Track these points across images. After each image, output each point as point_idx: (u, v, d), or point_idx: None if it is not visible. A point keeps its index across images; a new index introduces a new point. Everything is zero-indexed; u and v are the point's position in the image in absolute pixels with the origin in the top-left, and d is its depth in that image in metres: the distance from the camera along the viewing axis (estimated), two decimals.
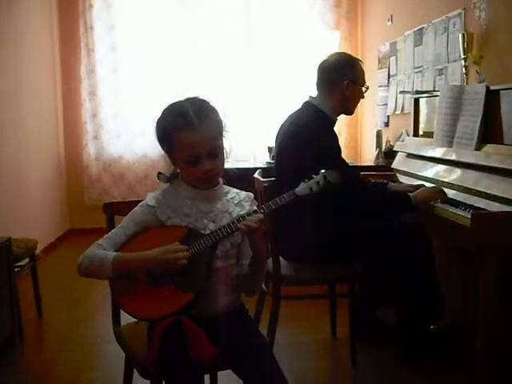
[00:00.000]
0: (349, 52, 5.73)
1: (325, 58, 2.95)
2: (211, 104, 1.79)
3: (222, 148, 1.78)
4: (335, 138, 2.78)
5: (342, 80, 2.80)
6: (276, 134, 2.97)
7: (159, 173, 1.86)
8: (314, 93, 2.90)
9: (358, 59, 2.93)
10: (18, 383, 2.85)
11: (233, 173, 1.90)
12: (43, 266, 4.60)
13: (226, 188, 1.88)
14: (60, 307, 3.89)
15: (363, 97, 2.93)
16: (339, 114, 2.89)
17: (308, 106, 2.85)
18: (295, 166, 2.57)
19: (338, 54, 3.05)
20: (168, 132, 1.74)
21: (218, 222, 1.78)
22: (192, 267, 1.69)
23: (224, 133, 1.79)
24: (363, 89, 2.89)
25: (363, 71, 2.90)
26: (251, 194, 1.91)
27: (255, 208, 1.77)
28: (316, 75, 2.90)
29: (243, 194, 1.90)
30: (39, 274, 3.69)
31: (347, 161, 2.97)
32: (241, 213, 1.77)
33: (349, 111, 2.93)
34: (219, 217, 1.80)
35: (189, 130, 1.70)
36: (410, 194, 2.71)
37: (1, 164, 4.35)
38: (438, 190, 2.73)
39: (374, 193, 2.87)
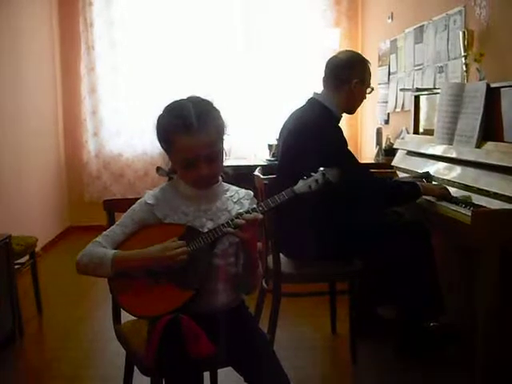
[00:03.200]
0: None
1: (334, 54, 2.96)
2: (214, 105, 1.77)
3: (220, 152, 1.77)
4: (341, 132, 2.78)
5: (352, 78, 2.81)
6: (279, 131, 2.97)
7: (158, 167, 1.86)
8: (317, 89, 2.89)
9: (367, 61, 2.92)
10: (18, 380, 2.85)
11: (229, 172, 1.89)
12: (43, 263, 4.60)
13: (226, 186, 1.88)
14: (60, 304, 3.90)
15: (365, 97, 2.93)
16: (343, 112, 2.89)
17: (313, 102, 2.85)
18: (301, 162, 2.54)
19: (349, 51, 3.06)
20: (167, 133, 1.73)
21: (216, 221, 1.78)
22: (191, 265, 1.69)
23: (224, 135, 1.78)
24: (368, 90, 2.90)
25: (370, 72, 2.91)
26: (251, 192, 1.90)
27: (254, 206, 1.76)
28: (324, 71, 2.89)
29: (243, 191, 1.89)
30: (39, 272, 3.70)
31: None
32: (240, 211, 1.76)
33: (351, 110, 2.93)
34: (217, 215, 1.80)
35: (187, 134, 1.68)
36: (418, 183, 2.74)
37: (0, 161, 4.34)
38: (444, 187, 2.74)
39: (382, 181, 2.86)
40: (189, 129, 1.68)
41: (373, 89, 2.93)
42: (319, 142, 2.62)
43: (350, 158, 2.76)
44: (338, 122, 2.85)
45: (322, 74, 2.91)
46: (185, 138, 1.69)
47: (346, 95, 2.83)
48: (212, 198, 1.82)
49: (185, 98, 1.77)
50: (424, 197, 2.74)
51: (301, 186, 1.78)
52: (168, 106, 1.77)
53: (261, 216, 1.71)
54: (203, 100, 1.76)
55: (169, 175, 1.86)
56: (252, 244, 1.75)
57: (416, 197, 2.73)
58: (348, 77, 2.81)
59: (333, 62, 2.89)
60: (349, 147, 2.80)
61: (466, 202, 2.48)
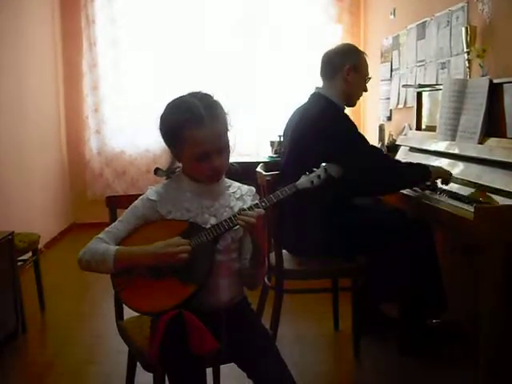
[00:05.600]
0: None
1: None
2: (216, 98, 1.78)
3: (228, 143, 1.77)
4: (348, 119, 2.76)
5: (343, 65, 2.81)
6: (284, 128, 2.96)
7: (157, 168, 1.85)
8: (319, 84, 2.89)
9: (362, 51, 2.93)
10: (21, 376, 2.86)
11: (234, 167, 1.89)
12: (46, 260, 4.61)
13: (228, 182, 1.88)
14: (63, 301, 3.91)
15: (366, 90, 2.92)
16: (344, 103, 2.88)
17: (316, 96, 2.85)
18: (310, 157, 2.50)
19: (342, 43, 3.08)
20: (177, 128, 1.72)
21: (219, 217, 1.78)
22: (193, 261, 1.69)
23: (229, 127, 1.78)
24: (366, 79, 2.89)
25: (366, 62, 2.90)
26: (253, 188, 1.90)
27: (257, 201, 1.76)
28: (320, 65, 2.90)
29: (245, 188, 1.89)
30: (42, 268, 3.71)
31: None
32: (243, 207, 1.76)
33: (351, 101, 2.92)
34: (220, 211, 1.80)
35: (200, 126, 1.68)
36: (429, 166, 2.79)
37: (3, 159, 4.35)
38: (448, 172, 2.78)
39: (394, 166, 2.86)
40: (200, 121, 1.68)
41: (370, 78, 2.91)
42: (328, 133, 2.61)
43: (363, 142, 2.75)
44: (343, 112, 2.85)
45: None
46: (197, 131, 1.69)
47: (341, 84, 2.82)
48: (215, 195, 1.82)
49: (185, 94, 1.77)
50: (426, 192, 2.76)
51: (303, 181, 1.78)
52: (171, 103, 1.77)
53: (263, 211, 1.71)
54: (205, 94, 1.77)
55: (168, 175, 1.85)
56: (261, 238, 1.74)
57: (426, 178, 2.75)
58: (339, 64, 2.82)
59: (325, 53, 2.92)
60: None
61: (467, 198, 2.48)
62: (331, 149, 2.36)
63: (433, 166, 2.84)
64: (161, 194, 1.80)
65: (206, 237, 1.71)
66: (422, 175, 2.76)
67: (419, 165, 2.83)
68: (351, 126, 2.74)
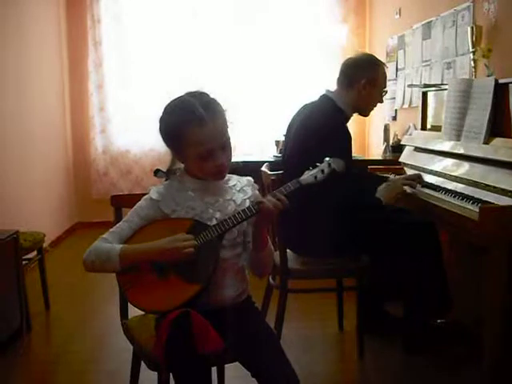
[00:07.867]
0: (357, 45, 5.77)
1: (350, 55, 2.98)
2: (213, 96, 1.77)
3: (229, 139, 1.78)
4: (349, 137, 2.76)
5: (360, 78, 2.80)
6: (288, 124, 2.96)
7: (157, 170, 1.85)
8: (329, 86, 2.89)
9: (383, 63, 2.92)
10: (26, 375, 2.86)
11: (238, 165, 1.90)
12: (51, 258, 4.62)
13: (227, 176, 1.88)
14: (67, 300, 3.91)
15: (382, 101, 2.92)
16: (354, 112, 2.89)
17: (325, 99, 2.84)
18: (307, 157, 2.52)
19: (363, 53, 3.08)
20: (178, 130, 1.72)
21: (223, 211, 1.79)
22: (199, 258, 1.69)
23: (228, 123, 1.78)
24: (382, 93, 2.88)
25: (384, 75, 2.89)
26: (251, 179, 1.92)
27: (259, 200, 1.75)
28: (339, 71, 2.91)
29: (244, 180, 1.91)
30: (47, 267, 3.71)
31: (355, 154, 2.95)
32: (244, 198, 1.81)
33: (364, 112, 2.92)
34: (224, 205, 1.81)
35: (201, 125, 1.68)
36: (380, 197, 2.73)
37: (8, 157, 4.36)
38: (401, 184, 2.80)
39: (355, 193, 2.78)
40: (201, 120, 1.68)
41: (386, 92, 2.92)
42: (325, 141, 2.60)
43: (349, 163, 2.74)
44: (347, 121, 2.84)
45: (330, 70, 2.92)
46: (199, 130, 1.69)
47: (355, 95, 2.82)
48: (217, 190, 1.83)
49: (182, 94, 1.77)
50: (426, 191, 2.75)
51: (306, 176, 1.78)
52: (169, 105, 1.77)
53: (286, 201, 1.71)
54: (201, 92, 1.77)
55: (167, 176, 1.86)
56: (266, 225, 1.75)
57: (376, 207, 2.73)
58: (356, 76, 2.81)
59: (345, 61, 2.93)
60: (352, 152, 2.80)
61: (472, 198, 2.47)
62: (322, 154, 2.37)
63: (379, 190, 2.77)
64: (162, 193, 1.81)
65: (212, 234, 1.71)
66: (373, 203, 2.74)
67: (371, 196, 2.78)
68: (346, 146, 2.72)
